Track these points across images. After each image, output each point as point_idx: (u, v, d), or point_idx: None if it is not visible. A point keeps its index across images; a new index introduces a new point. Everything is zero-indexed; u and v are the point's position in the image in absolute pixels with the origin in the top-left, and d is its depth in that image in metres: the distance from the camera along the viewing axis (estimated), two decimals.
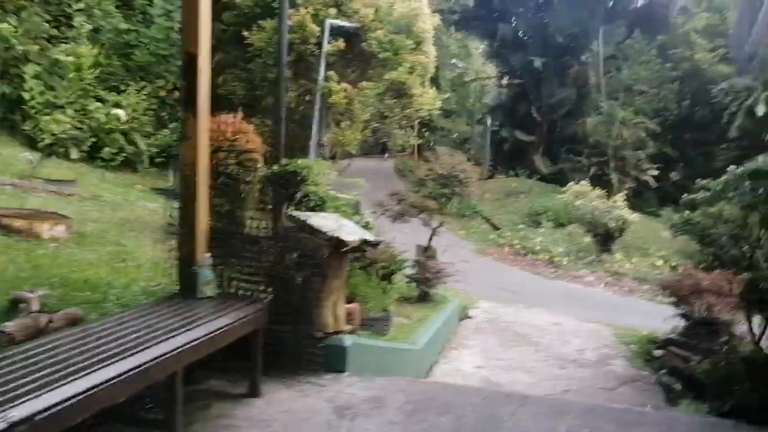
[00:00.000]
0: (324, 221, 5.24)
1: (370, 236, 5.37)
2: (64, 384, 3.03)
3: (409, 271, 10.74)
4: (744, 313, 7.62)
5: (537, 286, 16.01)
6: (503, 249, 20.14)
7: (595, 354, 9.85)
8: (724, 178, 8.82)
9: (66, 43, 13.79)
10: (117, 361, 3.41)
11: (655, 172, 29.24)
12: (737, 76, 28.24)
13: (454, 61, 34.58)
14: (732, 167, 8.71)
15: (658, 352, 9.52)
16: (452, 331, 10.36)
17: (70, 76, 13.38)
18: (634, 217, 20.07)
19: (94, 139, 14.10)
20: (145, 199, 11.08)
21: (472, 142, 40.54)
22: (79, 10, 14.53)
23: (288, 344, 4.91)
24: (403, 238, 10.54)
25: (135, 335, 3.86)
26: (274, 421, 4.35)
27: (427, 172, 9.66)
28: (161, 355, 3.63)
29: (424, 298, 10.42)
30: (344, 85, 14.58)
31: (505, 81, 40.06)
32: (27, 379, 3.07)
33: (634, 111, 29.90)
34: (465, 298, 12.97)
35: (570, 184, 22.35)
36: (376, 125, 16.70)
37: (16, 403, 2.78)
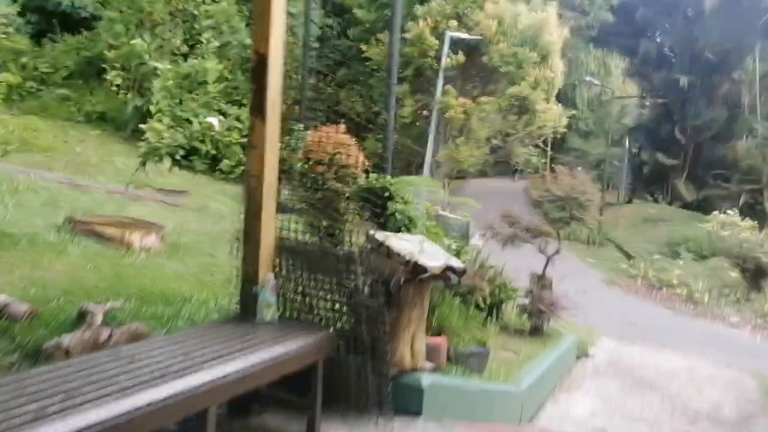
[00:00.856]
0: (404, 243, 4.66)
1: (456, 262, 4.71)
2: (82, 411, 2.69)
3: (521, 301, 9.91)
4: None
5: (671, 324, 14.46)
6: (635, 280, 18.56)
7: (734, 410, 8.50)
8: None
9: (195, 58, 14.28)
10: (150, 387, 3.05)
11: None
12: None
13: (588, 78, 32.81)
14: None
15: None
16: (566, 371, 9.37)
17: (197, 90, 13.82)
18: None
19: (214, 152, 14.50)
20: None
21: (608, 165, 38.37)
22: (208, 26, 15.03)
23: (356, 380, 4.35)
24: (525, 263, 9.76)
25: (181, 359, 3.50)
26: None
27: (543, 193, 8.82)
28: (198, 385, 3.23)
29: (536, 332, 9.51)
30: (462, 100, 13.98)
31: (647, 100, 37.71)
32: (47, 401, 2.75)
33: None
34: (585, 333, 11.85)
35: (715, 212, 20.33)
36: (495, 143, 15.91)
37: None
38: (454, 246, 5.57)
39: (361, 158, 8.78)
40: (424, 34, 14.05)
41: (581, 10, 33.12)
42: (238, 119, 14.79)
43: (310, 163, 8.43)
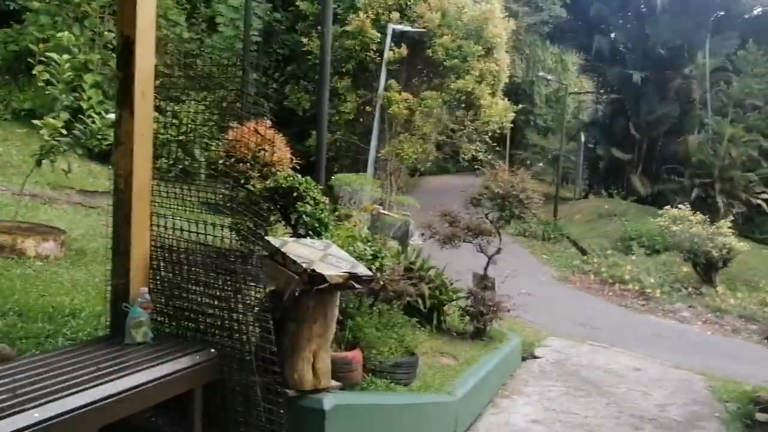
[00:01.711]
0: (303, 250, 4.18)
1: (363, 269, 4.24)
2: None
3: (462, 302, 9.53)
4: None
5: (622, 320, 14.27)
6: (588, 276, 18.40)
7: (681, 412, 8.22)
8: None
9: None
10: None
11: None
12: None
13: (542, 74, 32.72)
14: None
15: (762, 417, 7.80)
16: (509, 375, 9.02)
17: None
18: (742, 245, 17.83)
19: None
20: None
21: (565, 160, 38.47)
22: None
23: (245, 406, 3.86)
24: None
25: (26, 389, 3.00)
26: None
27: (482, 191, 8.45)
28: (41, 421, 2.76)
29: (478, 334, 9.14)
30: (405, 94, 13.51)
31: (602, 96, 37.90)
32: None
33: (745, 128, 27.19)
34: (532, 333, 11.56)
35: (667, 207, 20.31)
36: (441, 138, 15.48)
37: None
38: (370, 250, 5.09)
39: (288, 155, 8.26)
40: (365, 27, 13.56)
41: (534, 6, 33.01)
42: (175, 116, 14.10)
43: (231, 160, 7.88)
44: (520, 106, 18.43)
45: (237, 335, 3.74)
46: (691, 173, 27.70)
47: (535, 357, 10.22)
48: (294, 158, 8.25)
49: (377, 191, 10.75)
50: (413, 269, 9.02)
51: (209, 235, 4.11)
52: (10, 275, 5.64)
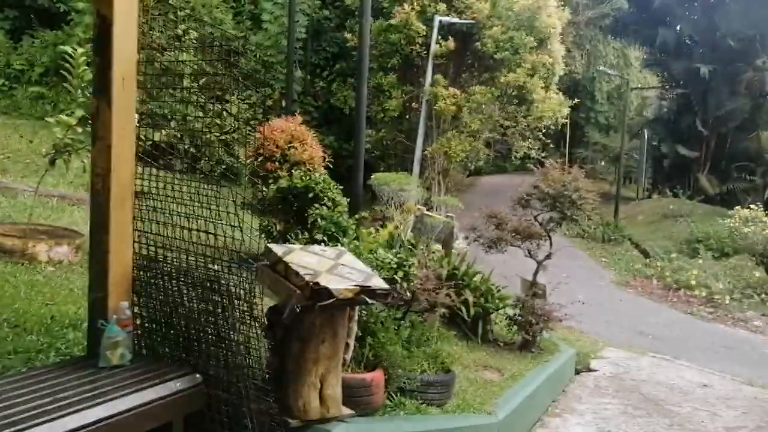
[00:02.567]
0: (310, 259, 3.67)
1: (379, 282, 3.69)
2: None
3: (510, 311, 8.87)
4: None
5: (687, 330, 13.25)
6: (650, 281, 17.33)
7: None
8: None
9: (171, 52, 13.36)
10: None
11: None
12: None
13: (602, 68, 31.37)
14: None
15: None
16: (561, 390, 8.31)
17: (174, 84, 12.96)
18: None
19: (193, 150, 13.65)
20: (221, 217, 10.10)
21: (627, 158, 36.96)
22: (188, 16, 14.15)
23: None
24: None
25: None
26: None
27: (531, 191, 7.77)
28: None
29: (527, 345, 8.47)
30: (452, 90, 12.84)
31: (667, 92, 36.21)
32: None
33: None
34: (588, 343, 10.77)
35: (737, 207, 19.01)
36: (491, 136, 14.70)
37: None
38: (394, 258, 4.53)
39: (320, 153, 7.76)
40: (411, 19, 12.97)
41: None
42: (219, 116, 13.90)
43: (260, 159, 7.46)
44: (576, 101, 17.41)
45: (226, 358, 3.24)
46: (763, 171, 26.10)
47: (591, 370, 9.47)
48: (327, 156, 7.78)
49: (419, 191, 10.18)
50: (456, 275, 8.43)
51: (200, 243, 3.61)
52: (17, 282, 5.32)
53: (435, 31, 13.11)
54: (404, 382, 4.78)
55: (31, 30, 16.62)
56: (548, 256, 8.20)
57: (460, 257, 8.80)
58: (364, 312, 4.43)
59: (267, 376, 3.23)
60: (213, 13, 14.97)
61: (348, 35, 13.69)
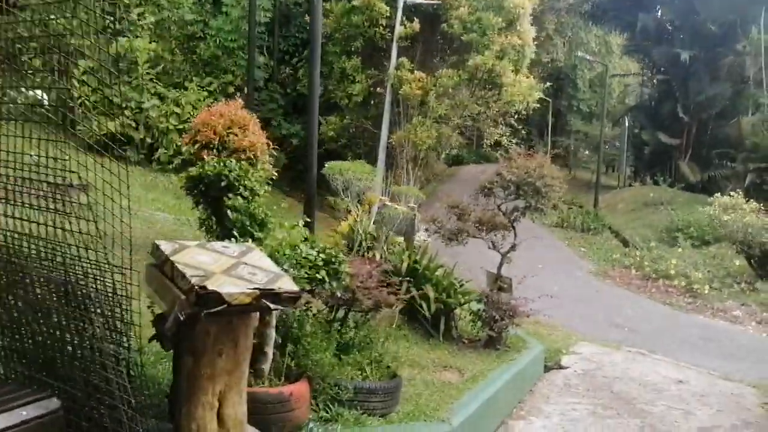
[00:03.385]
0: (206, 257, 3.13)
1: (288, 284, 3.16)
2: None
3: (475, 306, 8.41)
4: None
5: (665, 321, 12.85)
6: (629, 271, 16.95)
7: None
8: None
9: (125, 37, 12.76)
10: None
11: None
12: None
13: (581, 53, 30.92)
14: None
15: None
16: (528, 390, 7.85)
17: (131, 72, 12.39)
18: None
19: (150, 140, 13.10)
20: (169, 209, 9.55)
21: (608, 146, 36.67)
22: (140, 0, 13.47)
23: None
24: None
25: None
26: None
27: (494, 179, 7.28)
28: None
29: (492, 342, 8.01)
30: (418, 74, 12.28)
31: (647, 78, 35.89)
32: None
33: None
34: (561, 338, 10.33)
35: (717, 194, 18.64)
36: (459, 121, 14.14)
37: None
38: (320, 255, 4.00)
39: (263, 140, 7.22)
40: (373, 0, 12.38)
41: None
42: (177, 104, 13.32)
43: (196, 147, 6.88)
44: (548, 84, 16.82)
45: (87, 379, 2.70)
46: (744, 158, 25.77)
47: (561, 367, 9.02)
48: (270, 144, 7.23)
49: (379, 181, 9.65)
50: (417, 269, 7.95)
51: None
52: None
53: (399, 11, 12.55)
54: (337, 393, 4.26)
55: None
56: (513, 248, 7.71)
57: (422, 250, 8.30)
58: (284, 316, 3.91)
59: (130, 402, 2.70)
60: None
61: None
